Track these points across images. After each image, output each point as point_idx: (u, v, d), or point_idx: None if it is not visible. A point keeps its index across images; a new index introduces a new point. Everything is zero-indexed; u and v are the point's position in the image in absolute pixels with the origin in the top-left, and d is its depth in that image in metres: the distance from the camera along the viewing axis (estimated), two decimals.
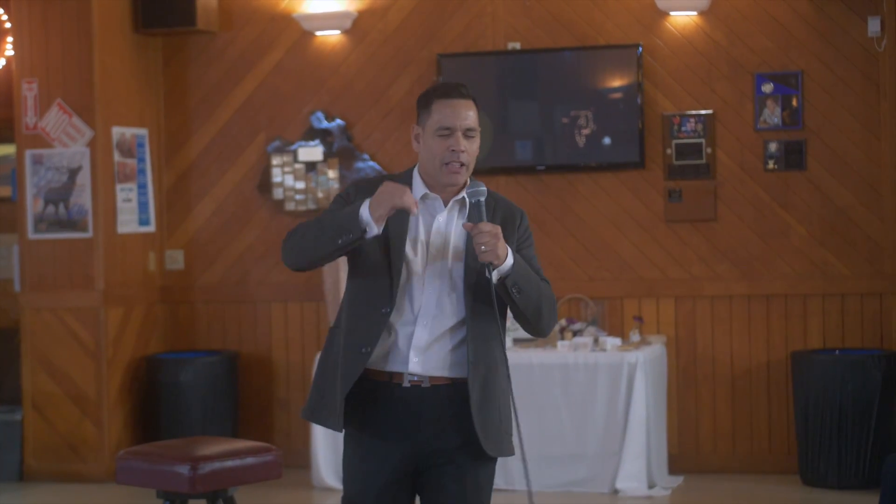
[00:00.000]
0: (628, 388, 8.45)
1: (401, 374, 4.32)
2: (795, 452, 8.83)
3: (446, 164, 4.31)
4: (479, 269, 4.29)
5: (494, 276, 4.25)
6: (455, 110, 4.32)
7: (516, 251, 4.37)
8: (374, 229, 4.20)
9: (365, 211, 4.19)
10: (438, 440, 4.35)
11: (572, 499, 8.43)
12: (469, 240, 4.32)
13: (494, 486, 8.69)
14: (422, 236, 4.35)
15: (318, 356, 4.84)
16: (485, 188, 4.34)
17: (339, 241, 4.21)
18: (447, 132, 4.30)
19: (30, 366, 9.45)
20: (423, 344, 4.31)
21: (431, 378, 4.33)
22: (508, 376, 4.43)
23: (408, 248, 4.33)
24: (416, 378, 4.32)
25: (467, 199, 4.34)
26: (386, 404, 4.34)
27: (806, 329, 9.05)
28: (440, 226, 4.36)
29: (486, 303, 4.32)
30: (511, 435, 4.46)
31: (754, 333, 9.12)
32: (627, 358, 8.49)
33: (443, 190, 4.37)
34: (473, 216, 4.31)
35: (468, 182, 4.37)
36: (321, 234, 4.25)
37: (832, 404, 8.51)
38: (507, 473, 8.50)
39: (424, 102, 4.38)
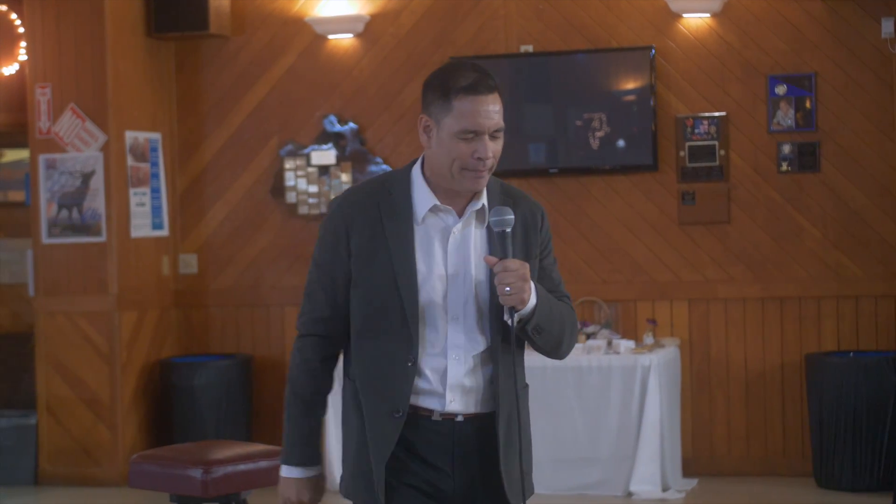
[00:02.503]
0: (642, 390, 8.44)
1: (432, 410, 3.77)
2: (810, 455, 8.81)
3: (469, 169, 3.67)
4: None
5: (514, 317, 3.69)
6: (483, 108, 3.66)
7: (539, 261, 3.86)
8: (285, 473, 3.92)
9: (284, 476, 3.90)
10: (462, 477, 3.81)
11: (586, 502, 8.42)
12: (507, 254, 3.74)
13: None
14: (438, 257, 3.74)
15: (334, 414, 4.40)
16: (512, 216, 3.68)
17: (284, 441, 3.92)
18: (472, 136, 3.65)
19: (44, 370, 9.47)
20: (458, 381, 3.75)
21: (465, 414, 3.79)
22: (527, 405, 3.97)
23: (421, 273, 3.71)
24: (449, 413, 3.78)
25: (493, 227, 3.69)
26: (415, 435, 3.79)
27: (820, 331, 9.03)
28: (457, 242, 3.75)
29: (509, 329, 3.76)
30: (531, 473, 3.96)
31: (768, 336, 9.10)
32: (641, 361, 8.48)
33: (454, 196, 3.73)
34: (497, 248, 3.68)
35: (485, 192, 3.78)
36: (288, 424, 3.91)
37: (846, 407, 8.48)
38: None
39: (442, 93, 3.67)
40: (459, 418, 3.77)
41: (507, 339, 3.75)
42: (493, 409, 3.79)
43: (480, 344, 3.76)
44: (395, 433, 3.72)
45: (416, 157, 3.90)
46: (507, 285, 3.62)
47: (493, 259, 3.66)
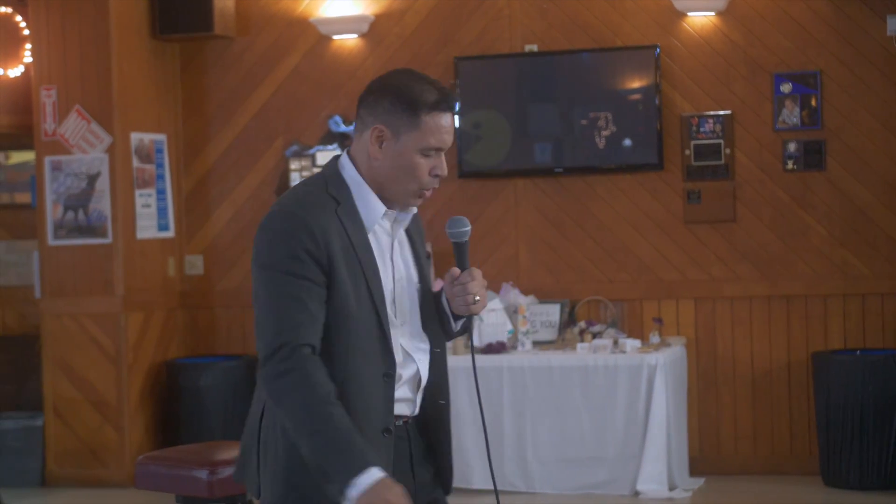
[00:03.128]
0: (648, 390, 8.43)
1: (404, 416, 3.68)
2: (817, 453, 8.80)
3: (424, 187, 3.59)
4: (431, 292, 3.74)
5: (472, 321, 3.73)
6: (446, 125, 3.59)
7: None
8: None
9: (353, 496, 3.35)
10: (420, 475, 3.73)
11: (592, 501, 8.41)
12: (419, 260, 3.74)
13: (513, 488, 8.70)
14: (388, 263, 3.65)
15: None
16: (469, 227, 3.70)
17: (319, 479, 3.43)
18: (433, 153, 3.57)
19: (51, 372, 9.48)
20: (427, 383, 3.71)
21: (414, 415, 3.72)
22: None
23: (385, 283, 3.61)
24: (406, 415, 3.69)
25: (451, 238, 3.69)
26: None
27: (826, 329, 9.02)
28: (399, 247, 3.71)
29: (439, 325, 3.76)
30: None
31: (774, 334, 9.09)
32: (647, 360, 8.47)
33: (390, 202, 3.63)
34: (460, 260, 3.67)
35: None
36: (313, 457, 3.43)
37: (853, 405, 8.47)
38: (525, 476, 8.52)
39: (409, 106, 3.54)
40: (410, 419, 3.71)
41: (444, 337, 3.75)
42: (443, 402, 3.74)
43: (427, 344, 3.72)
44: (389, 455, 3.56)
45: None
46: (478, 295, 3.61)
47: (458, 271, 3.64)
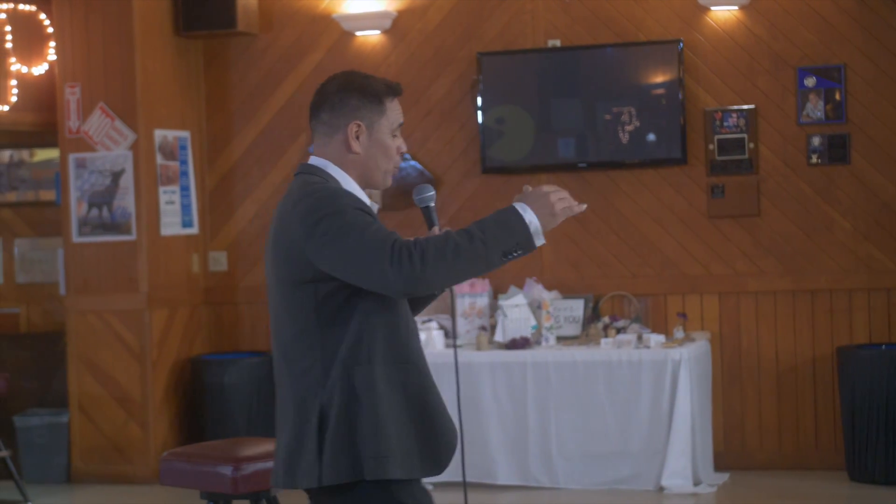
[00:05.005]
0: (672, 385, 8.42)
1: None
2: (842, 448, 8.78)
3: (395, 165, 4.03)
4: None
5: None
6: (400, 107, 4.04)
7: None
8: (542, 241, 3.79)
9: (535, 221, 3.74)
10: None
11: (617, 496, 8.41)
12: None
13: (538, 484, 8.68)
14: None
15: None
16: (433, 191, 4.15)
17: (505, 258, 3.73)
18: (398, 132, 4.02)
19: (75, 369, 9.51)
20: None
21: None
22: None
23: None
24: None
25: (418, 204, 4.12)
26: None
27: (851, 324, 8.99)
28: None
29: None
30: None
31: (799, 329, 9.06)
32: (671, 355, 8.46)
33: (369, 195, 4.05)
34: (429, 221, 4.10)
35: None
36: (485, 250, 3.72)
37: (879, 399, 8.45)
38: (550, 471, 8.52)
39: (373, 96, 3.96)
40: None
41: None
42: None
43: None
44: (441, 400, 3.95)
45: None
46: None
47: (436, 230, 4.05)
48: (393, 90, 3.98)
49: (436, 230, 4.04)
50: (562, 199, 3.78)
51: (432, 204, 4.11)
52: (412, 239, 3.73)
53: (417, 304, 4.09)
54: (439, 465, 3.88)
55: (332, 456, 3.80)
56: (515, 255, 3.75)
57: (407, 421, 3.83)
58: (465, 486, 4.15)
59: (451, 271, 3.72)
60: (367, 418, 3.79)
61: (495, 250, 3.72)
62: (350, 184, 3.94)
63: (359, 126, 3.94)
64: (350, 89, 3.95)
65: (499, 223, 3.74)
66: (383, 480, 3.79)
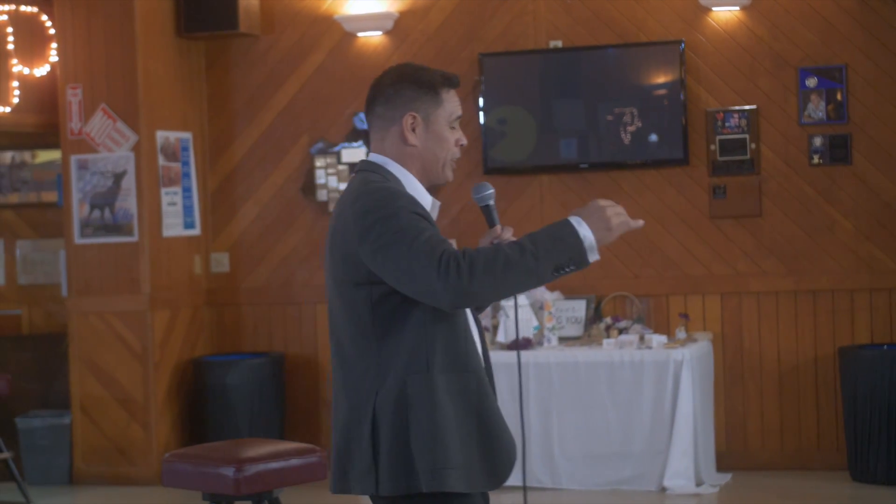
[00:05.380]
0: (675, 385, 8.42)
1: None
2: (844, 448, 8.78)
3: (453, 158, 3.89)
4: None
5: None
6: (457, 98, 3.94)
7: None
8: (597, 257, 3.71)
9: (589, 236, 3.66)
10: None
11: (619, 497, 8.41)
12: None
13: (540, 485, 8.69)
14: None
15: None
16: (492, 189, 3.98)
17: (557, 273, 3.65)
18: (456, 124, 3.89)
19: (78, 370, 9.51)
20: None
21: None
22: None
23: None
24: None
25: (479, 203, 3.97)
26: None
27: (853, 324, 8.99)
28: None
29: None
30: None
31: (801, 329, 9.07)
32: (673, 355, 8.46)
33: (429, 189, 3.93)
34: (490, 220, 3.96)
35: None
36: (535, 264, 3.62)
37: (881, 399, 8.45)
38: (552, 472, 8.51)
39: (429, 87, 3.85)
40: None
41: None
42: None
43: None
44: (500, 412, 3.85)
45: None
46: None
47: (498, 229, 3.91)
48: (450, 81, 3.88)
49: (497, 229, 3.90)
50: (618, 214, 3.67)
51: (492, 202, 3.95)
52: (462, 250, 3.61)
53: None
54: (499, 479, 3.79)
55: (388, 466, 3.70)
56: (568, 270, 3.66)
57: (467, 432, 3.73)
58: (524, 492, 4.06)
59: (500, 285, 3.60)
60: (424, 428, 3.67)
61: (547, 265, 3.63)
62: (412, 183, 3.83)
63: (414, 118, 3.82)
64: (404, 80, 3.85)
65: (552, 237, 3.65)
66: (440, 493, 3.69)
